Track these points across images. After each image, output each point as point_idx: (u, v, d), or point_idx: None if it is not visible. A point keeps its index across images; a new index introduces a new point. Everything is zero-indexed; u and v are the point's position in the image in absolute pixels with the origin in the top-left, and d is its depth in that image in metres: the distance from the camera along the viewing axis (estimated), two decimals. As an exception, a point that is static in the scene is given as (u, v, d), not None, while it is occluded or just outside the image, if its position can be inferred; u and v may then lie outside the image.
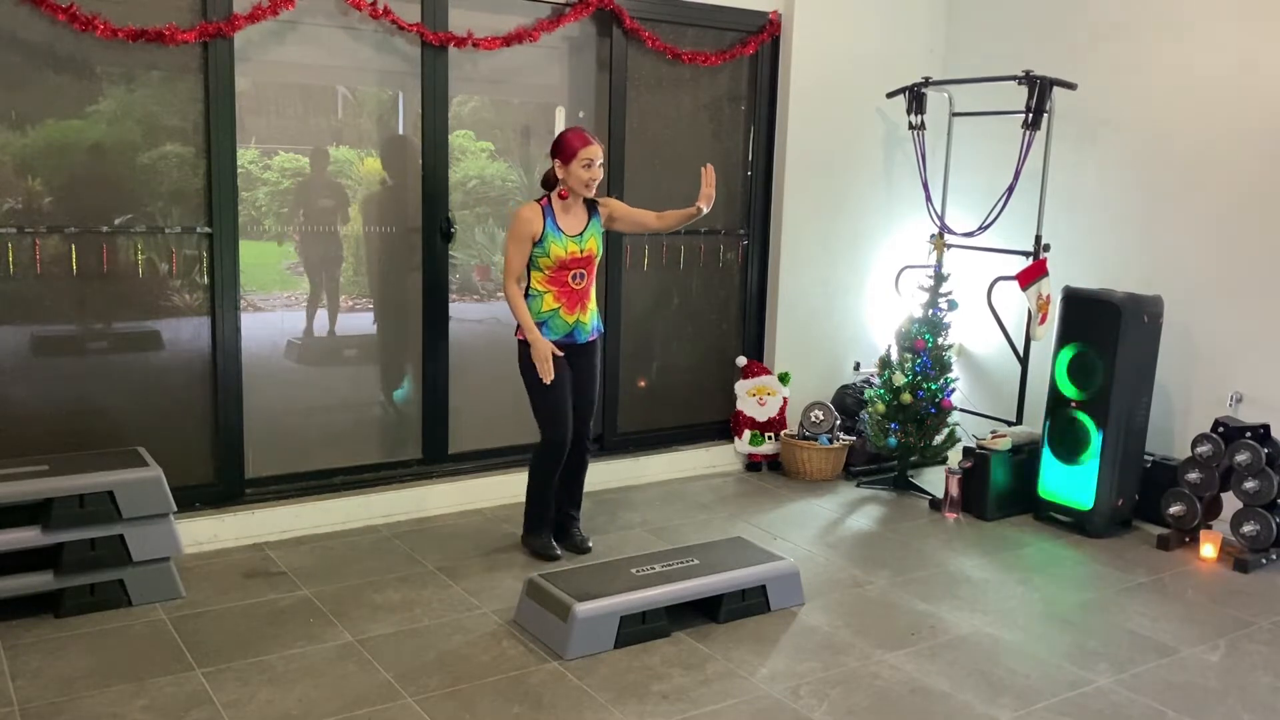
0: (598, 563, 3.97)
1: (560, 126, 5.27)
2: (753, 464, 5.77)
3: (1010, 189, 5.27)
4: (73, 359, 4.19)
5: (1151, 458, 4.97)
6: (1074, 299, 4.93)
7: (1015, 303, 5.44)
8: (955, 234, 5.60)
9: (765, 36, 5.56)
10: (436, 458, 5.02)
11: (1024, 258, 5.29)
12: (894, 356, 5.39)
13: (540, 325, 4.16)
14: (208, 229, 4.33)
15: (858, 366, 6.04)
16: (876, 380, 5.53)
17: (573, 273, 4.18)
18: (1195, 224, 4.98)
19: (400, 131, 4.90)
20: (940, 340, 5.28)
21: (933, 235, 5.54)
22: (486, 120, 5.17)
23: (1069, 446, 4.89)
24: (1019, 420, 5.45)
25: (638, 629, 3.59)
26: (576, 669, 3.42)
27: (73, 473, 3.71)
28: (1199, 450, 4.65)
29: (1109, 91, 5.24)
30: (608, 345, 5.32)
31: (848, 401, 5.84)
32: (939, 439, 5.41)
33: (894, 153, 5.95)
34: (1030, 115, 5.11)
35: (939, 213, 5.71)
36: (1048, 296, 5.18)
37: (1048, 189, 5.26)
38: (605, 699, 3.25)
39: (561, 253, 4.13)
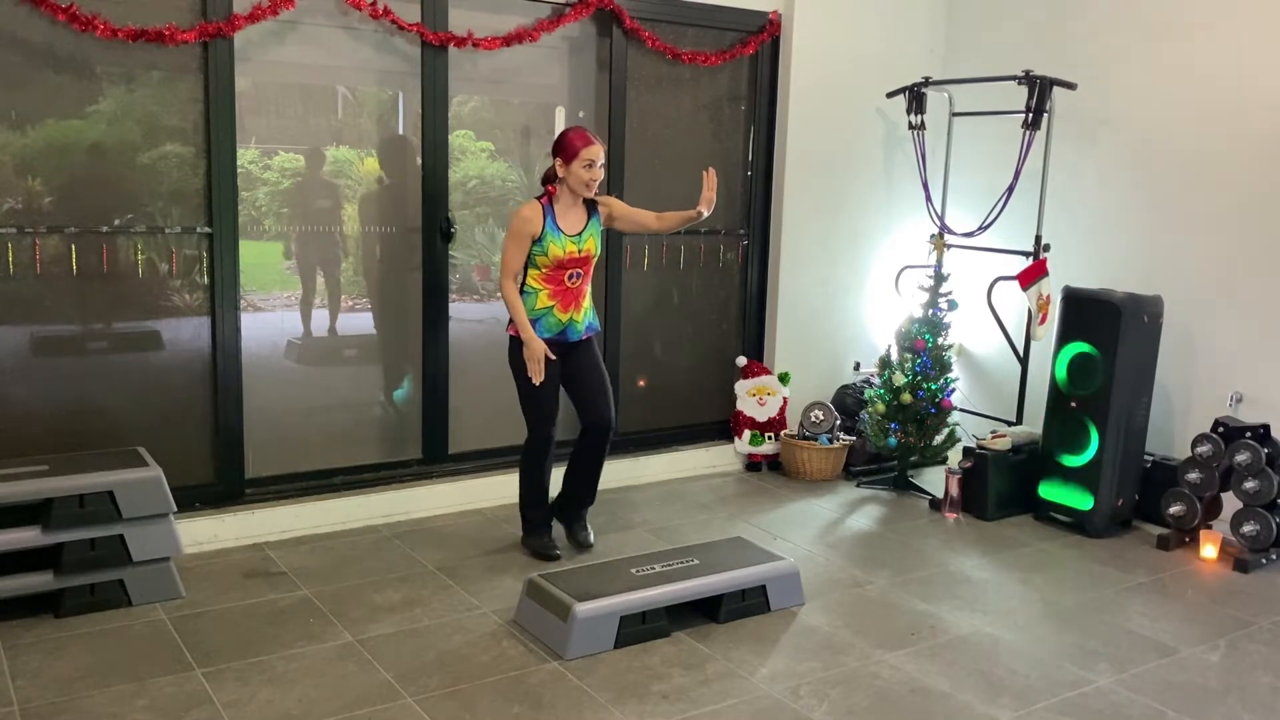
0: (598, 563, 3.97)
1: (560, 126, 5.27)
2: (753, 464, 5.78)
3: (1010, 189, 5.27)
4: (73, 359, 4.19)
5: (1151, 458, 4.97)
6: (1074, 299, 4.93)
7: (1015, 303, 5.44)
8: (955, 234, 5.60)
9: (765, 36, 5.56)
10: (436, 458, 5.02)
11: (1024, 258, 5.29)
12: (894, 356, 5.39)
13: (534, 323, 4.16)
14: (208, 229, 4.33)
15: (858, 366, 6.04)
16: (876, 380, 5.53)
17: (570, 272, 4.18)
18: (1195, 224, 4.98)
19: (400, 131, 4.90)
20: (940, 340, 5.28)
21: (933, 235, 5.54)
22: (486, 120, 5.17)
23: (1069, 446, 4.90)
24: (1019, 420, 5.45)
25: (638, 629, 3.59)
26: (576, 669, 3.42)
27: (73, 473, 3.70)
28: (1199, 450, 4.65)
29: (1109, 91, 5.24)
30: (608, 345, 5.32)
31: (848, 401, 5.84)
32: (939, 439, 5.41)
33: (894, 153, 5.95)
34: (1030, 115, 5.11)
35: (939, 213, 5.71)
36: (1048, 296, 5.19)
37: (1048, 189, 5.26)
38: (605, 699, 3.25)
39: (560, 252, 4.13)
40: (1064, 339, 4.94)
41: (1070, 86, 5.07)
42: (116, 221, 4.18)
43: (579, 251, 4.17)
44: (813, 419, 5.62)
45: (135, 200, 4.21)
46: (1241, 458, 4.50)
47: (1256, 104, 4.73)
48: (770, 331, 5.83)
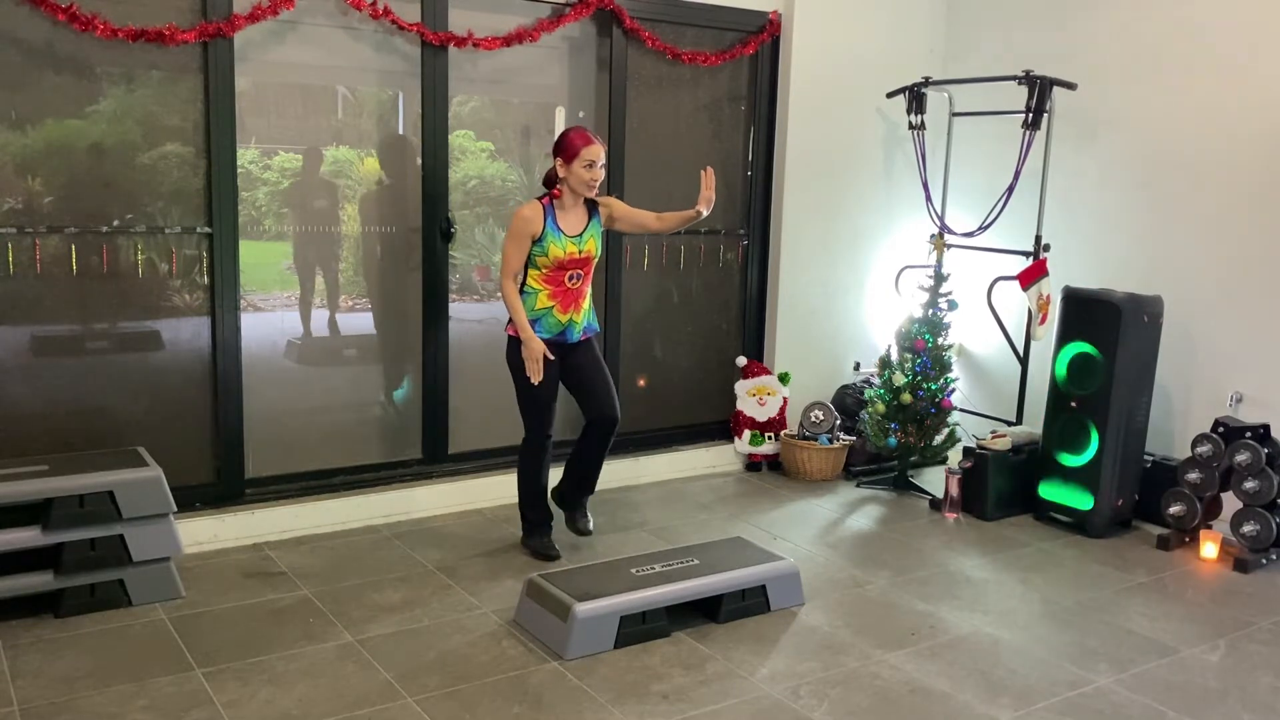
0: (598, 563, 3.97)
1: (560, 126, 5.27)
2: (753, 464, 5.78)
3: (1010, 189, 5.27)
4: (73, 359, 4.19)
5: (1151, 458, 4.97)
6: (1074, 299, 4.93)
7: (1015, 303, 5.45)
8: (955, 234, 5.60)
9: (765, 36, 5.56)
10: (436, 458, 5.02)
11: (1024, 258, 5.29)
12: (894, 356, 5.39)
13: (533, 323, 4.16)
14: (208, 229, 4.33)
15: (858, 366, 6.04)
16: (876, 380, 5.53)
17: (570, 273, 4.18)
18: (1195, 224, 4.98)
19: (400, 131, 4.90)
20: (940, 340, 5.28)
21: (933, 235, 5.54)
22: (486, 120, 5.17)
23: (1069, 446, 4.90)
24: (1019, 420, 5.45)
25: (638, 629, 3.59)
26: (576, 669, 3.42)
27: (73, 473, 3.70)
28: (1199, 450, 4.65)
29: (1109, 91, 5.24)
30: (608, 345, 5.32)
31: (848, 401, 5.84)
32: (939, 439, 5.41)
33: (894, 153, 5.95)
34: (1030, 115, 5.11)
35: (939, 213, 5.71)
36: (1048, 296, 5.19)
37: (1048, 189, 5.26)
38: (605, 699, 3.25)
39: (560, 253, 4.13)
40: (1064, 339, 4.94)
41: (1070, 86, 5.07)
42: (116, 221, 4.18)
43: (579, 252, 4.17)
44: (813, 419, 5.62)
45: (135, 200, 4.21)
46: (1241, 458, 4.50)
47: (1257, 104, 4.73)
48: (770, 331, 5.83)
